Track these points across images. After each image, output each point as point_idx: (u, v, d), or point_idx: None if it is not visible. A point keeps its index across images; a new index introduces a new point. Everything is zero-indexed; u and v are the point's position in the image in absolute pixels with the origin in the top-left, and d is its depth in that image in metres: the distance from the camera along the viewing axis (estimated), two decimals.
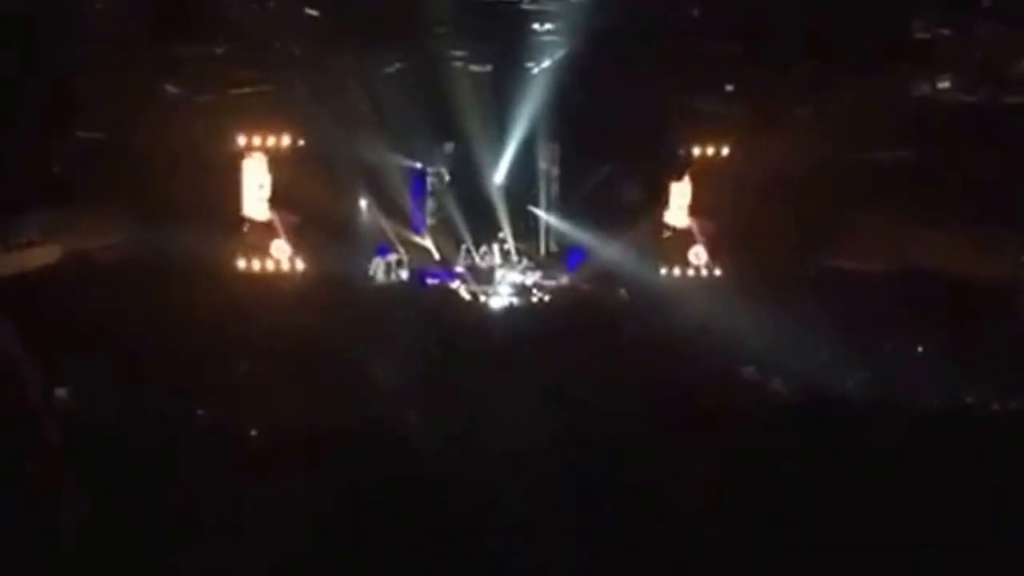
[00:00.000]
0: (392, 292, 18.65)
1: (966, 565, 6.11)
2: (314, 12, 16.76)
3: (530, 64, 18.46)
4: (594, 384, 11.30)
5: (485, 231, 19.56)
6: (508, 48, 18.17)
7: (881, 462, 7.34)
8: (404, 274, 19.30)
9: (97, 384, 9.92)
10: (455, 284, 19.12)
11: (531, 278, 19.34)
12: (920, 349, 14.16)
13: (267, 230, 17.86)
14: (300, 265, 17.86)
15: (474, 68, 18.74)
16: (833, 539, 6.31)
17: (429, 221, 19.83)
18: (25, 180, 14.63)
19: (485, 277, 19.20)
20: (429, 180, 19.83)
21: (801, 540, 6.34)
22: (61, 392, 9.39)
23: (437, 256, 19.69)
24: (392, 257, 19.28)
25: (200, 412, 9.21)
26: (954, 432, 9.79)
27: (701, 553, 6.30)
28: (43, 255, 14.68)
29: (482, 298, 18.77)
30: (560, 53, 17.90)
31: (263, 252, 17.78)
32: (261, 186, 17.86)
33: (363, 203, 19.26)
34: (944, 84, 15.60)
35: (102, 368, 10.90)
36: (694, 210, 18.36)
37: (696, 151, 18.26)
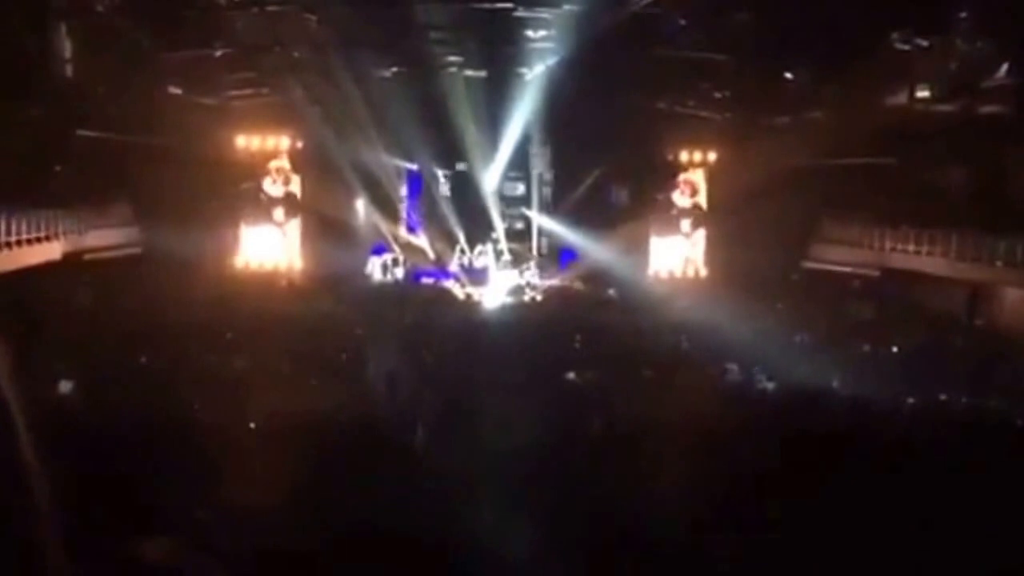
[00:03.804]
0: (388, 290, 19.00)
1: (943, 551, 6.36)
2: (312, 17, 17.09)
3: (524, 70, 18.84)
4: (583, 376, 11.62)
5: (479, 232, 19.93)
6: (502, 54, 18.55)
7: (863, 455, 7.63)
8: (400, 273, 19.74)
9: (101, 377, 10.19)
10: (449, 283, 19.50)
11: (523, 278, 19.68)
12: (895, 349, 14.44)
13: (264, 230, 18.28)
14: (299, 263, 18.24)
15: (469, 73, 19.15)
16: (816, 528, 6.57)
17: (424, 222, 20.28)
18: (28, 179, 14.95)
19: (479, 276, 19.53)
20: (424, 182, 20.27)
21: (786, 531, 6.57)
22: (66, 386, 9.64)
23: (432, 256, 20.08)
24: (388, 256, 19.71)
25: (197, 406, 9.45)
26: (928, 427, 10.11)
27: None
28: (46, 252, 14.97)
29: (476, 297, 19.12)
30: (553, 60, 18.29)
31: (259, 249, 18.21)
32: (260, 187, 18.25)
33: (360, 203, 19.68)
34: (923, 94, 15.90)
35: (106, 362, 11.20)
36: (681, 213, 18.75)
37: (684, 156, 18.67)
